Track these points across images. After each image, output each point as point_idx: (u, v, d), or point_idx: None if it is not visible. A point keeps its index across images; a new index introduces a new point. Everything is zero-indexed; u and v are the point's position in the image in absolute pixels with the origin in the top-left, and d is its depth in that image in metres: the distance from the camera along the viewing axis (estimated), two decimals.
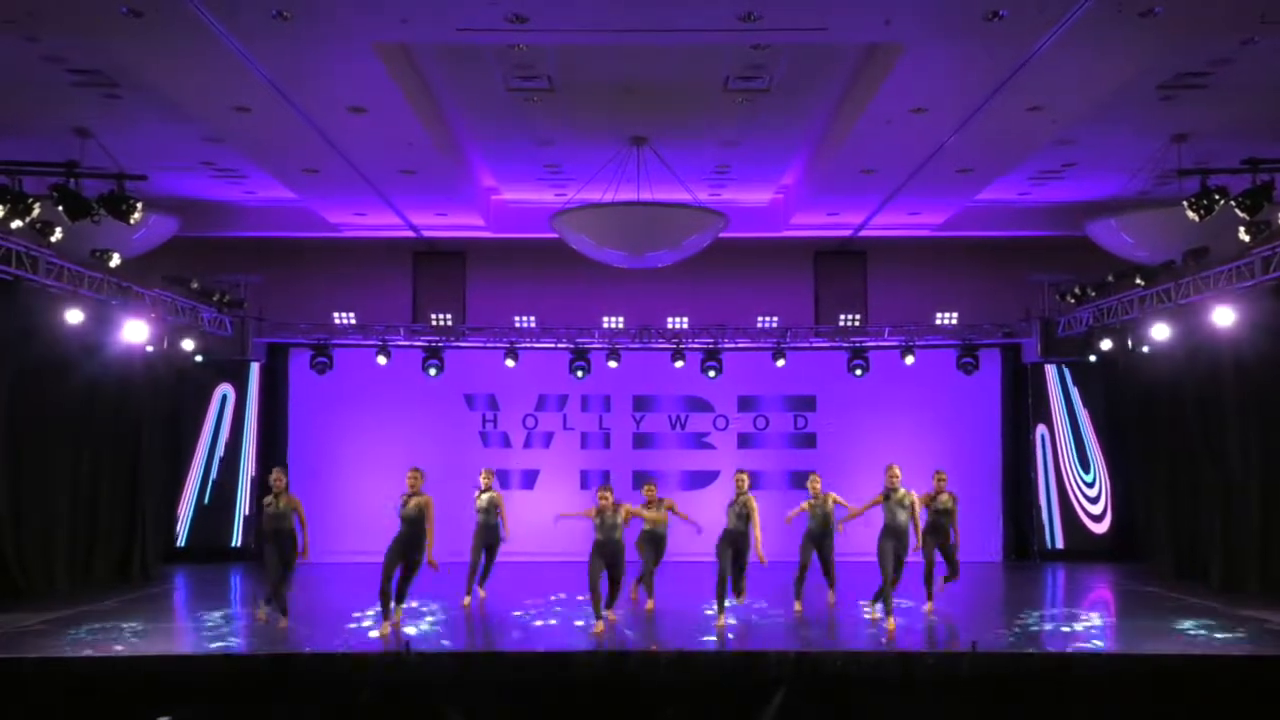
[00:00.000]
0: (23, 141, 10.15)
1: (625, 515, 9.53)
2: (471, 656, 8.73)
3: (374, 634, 9.28)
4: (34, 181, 9.50)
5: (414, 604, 10.27)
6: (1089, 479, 15.07)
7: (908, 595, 10.93)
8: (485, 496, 11.09)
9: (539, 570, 12.75)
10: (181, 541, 14.78)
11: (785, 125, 11.15)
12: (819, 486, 10.80)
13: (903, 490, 9.82)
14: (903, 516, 9.74)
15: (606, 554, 9.50)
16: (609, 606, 9.71)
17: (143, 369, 13.36)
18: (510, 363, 14.86)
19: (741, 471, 10.16)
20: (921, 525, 10.17)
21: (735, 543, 9.81)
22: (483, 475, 11.26)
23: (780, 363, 14.84)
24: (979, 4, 7.46)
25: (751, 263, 15.47)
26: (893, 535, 9.74)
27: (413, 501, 9.29)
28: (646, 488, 10.96)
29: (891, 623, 9.49)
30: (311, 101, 9.42)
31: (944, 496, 10.36)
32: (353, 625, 9.74)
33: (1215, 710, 8.05)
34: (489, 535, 11.04)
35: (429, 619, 10.13)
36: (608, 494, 9.60)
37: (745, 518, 9.77)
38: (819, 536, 10.65)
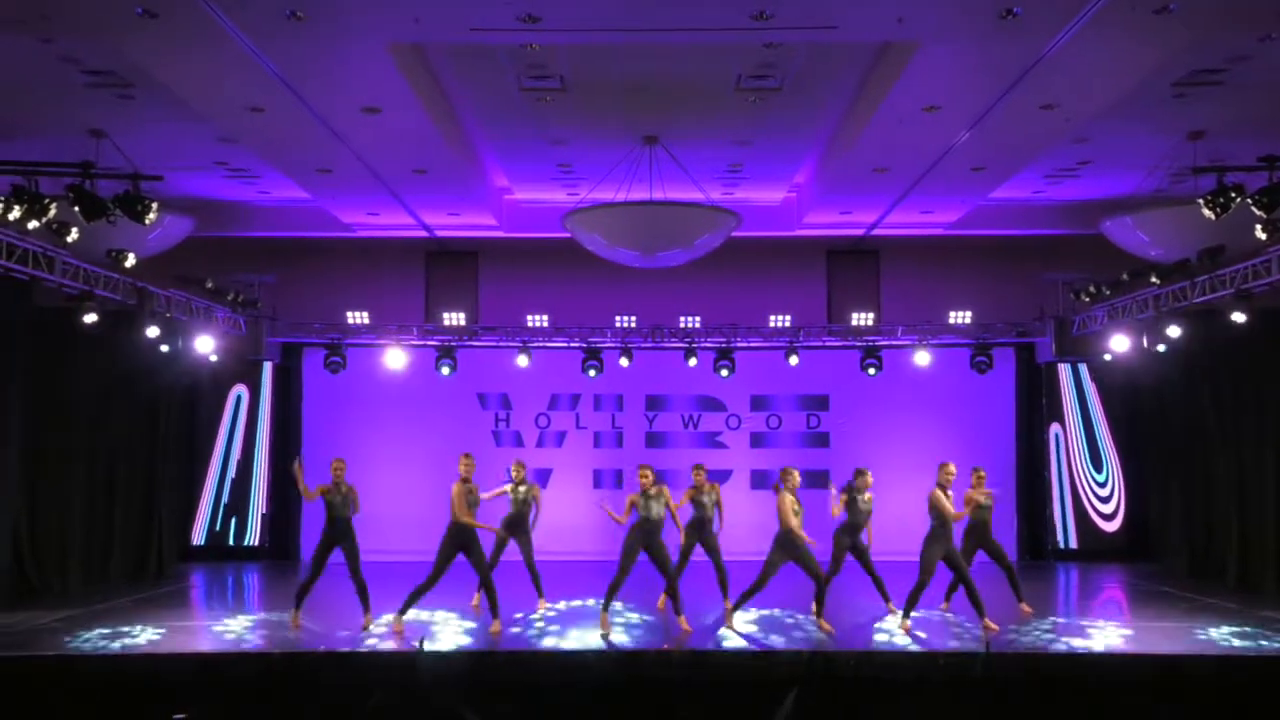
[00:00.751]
0: (38, 142, 10.21)
1: (665, 497, 9.54)
2: (485, 656, 8.75)
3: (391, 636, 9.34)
4: (50, 182, 9.55)
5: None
6: (1101, 478, 15.00)
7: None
8: (523, 489, 10.94)
9: (552, 570, 12.74)
10: (199, 540, 14.89)
11: (798, 124, 11.13)
12: (869, 481, 10.30)
13: (951, 492, 9.59)
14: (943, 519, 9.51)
15: (645, 532, 9.42)
16: (679, 614, 9.55)
17: (158, 369, 13.43)
18: (523, 362, 14.87)
19: (789, 468, 9.85)
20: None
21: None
22: (514, 468, 11.17)
23: (793, 360, 14.81)
24: (992, 2, 7.43)
25: (764, 262, 15.45)
26: (942, 538, 9.54)
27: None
28: (696, 470, 10.63)
29: (907, 624, 9.46)
30: (325, 101, 9.46)
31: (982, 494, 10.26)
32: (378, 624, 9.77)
33: (1229, 713, 8.00)
34: (517, 528, 10.88)
35: (442, 618, 10.15)
36: (648, 472, 9.57)
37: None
38: (855, 533, 10.31)
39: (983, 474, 10.35)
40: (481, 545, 9.66)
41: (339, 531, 9.73)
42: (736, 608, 9.79)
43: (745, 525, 10.17)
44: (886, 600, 10.48)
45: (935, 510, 9.56)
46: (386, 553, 13.20)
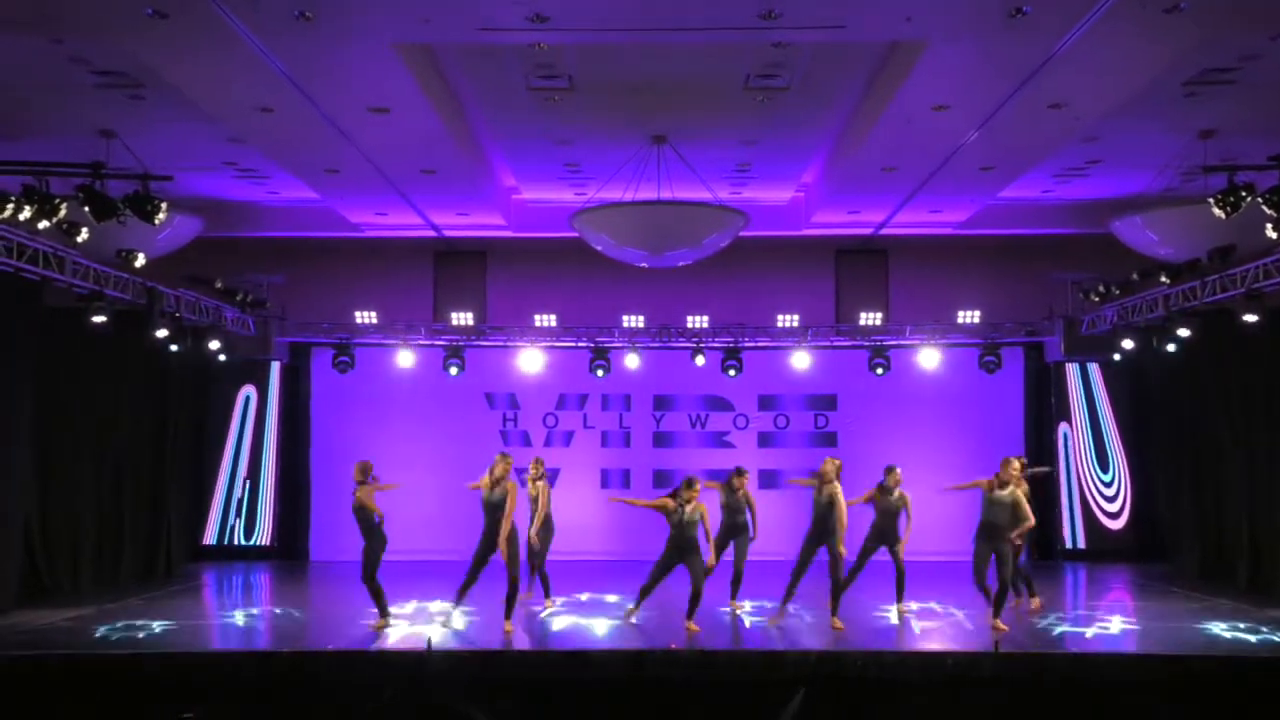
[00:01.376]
0: (49, 143, 10.24)
1: (702, 514, 9.52)
2: (493, 655, 8.76)
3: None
4: (60, 182, 9.59)
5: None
6: (1107, 478, 14.95)
7: (920, 595, 10.89)
8: (539, 485, 10.90)
9: (559, 569, 12.76)
10: (210, 540, 14.94)
11: (806, 123, 11.11)
12: (899, 477, 10.14)
13: (1011, 486, 9.55)
14: (1004, 516, 9.45)
15: (681, 545, 9.41)
16: (690, 617, 9.48)
17: (168, 368, 13.47)
18: (533, 365, 14.87)
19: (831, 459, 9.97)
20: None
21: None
22: (532, 465, 11.07)
23: (801, 363, 14.76)
24: (1001, 1, 7.41)
25: (772, 261, 15.43)
26: (992, 534, 9.47)
27: (498, 488, 9.50)
28: (738, 476, 10.63)
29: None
30: (333, 102, 9.47)
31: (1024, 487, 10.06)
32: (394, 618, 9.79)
33: (1239, 714, 7.97)
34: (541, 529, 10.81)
35: (451, 617, 10.17)
36: (695, 487, 9.52)
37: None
38: (886, 533, 10.14)
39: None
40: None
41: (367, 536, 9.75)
42: (785, 603, 9.90)
43: None
44: (899, 599, 10.44)
45: (1011, 508, 9.46)
46: (394, 552, 13.21)
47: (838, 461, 9.90)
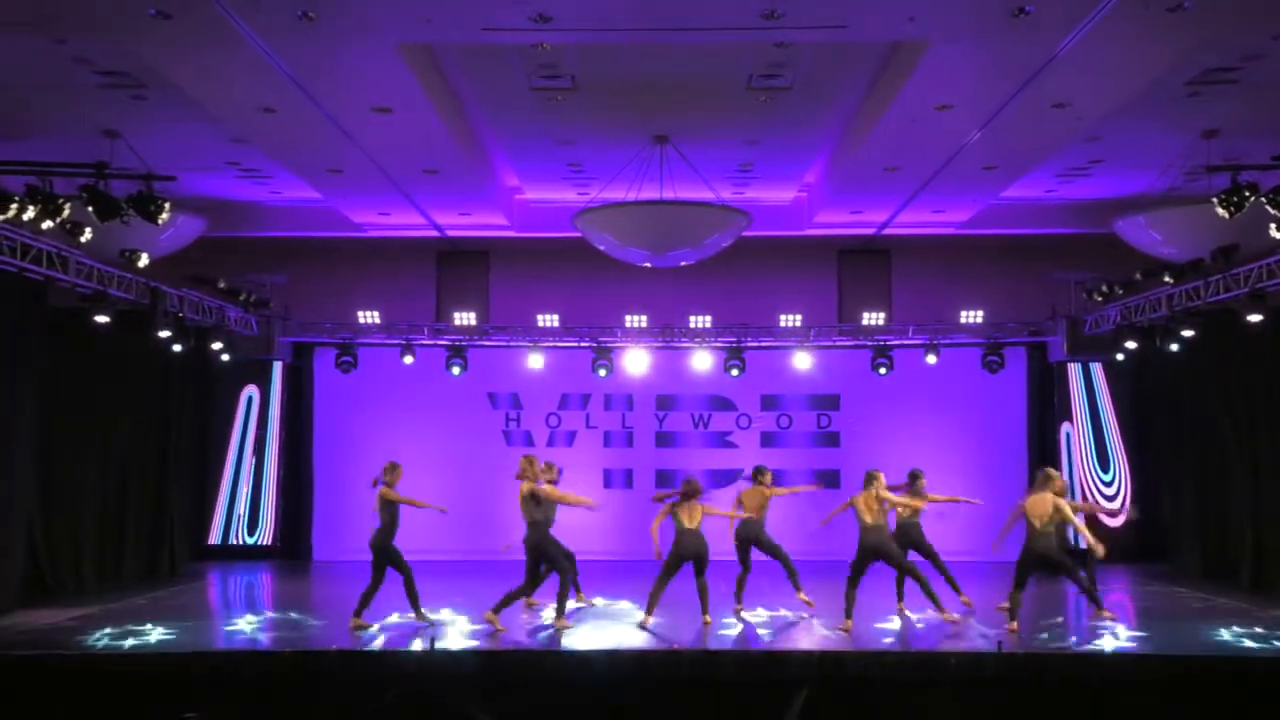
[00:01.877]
0: (52, 143, 10.27)
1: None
2: (496, 655, 8.76)
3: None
4: (64, 183, 9.60)
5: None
6: (1108, 478, 14.93)
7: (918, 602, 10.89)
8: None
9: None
10: (214, 540, 14.96)
11: (808, 123, 11.11)
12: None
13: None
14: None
15: (690, 548, 9.58)
16: (705, 611, 9.71)
17: (171, 368, 13.49)
18: (536, 364, 14.89)
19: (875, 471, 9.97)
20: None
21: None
22: (544, 469, 10.97)
23: (802, 364, 14.75)
24: (1004, 0, 7.41)
25: (774, 261, 15.43)
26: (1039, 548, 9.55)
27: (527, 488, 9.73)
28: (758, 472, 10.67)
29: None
30: (336, 102, 9.48)
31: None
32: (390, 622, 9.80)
33: (1241, 714, 7.95)
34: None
35: (453, 617, 10.17)
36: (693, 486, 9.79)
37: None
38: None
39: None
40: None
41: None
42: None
43: None
44: (900, 600, 10.44)
45: (1055, 516, 9.50)
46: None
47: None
